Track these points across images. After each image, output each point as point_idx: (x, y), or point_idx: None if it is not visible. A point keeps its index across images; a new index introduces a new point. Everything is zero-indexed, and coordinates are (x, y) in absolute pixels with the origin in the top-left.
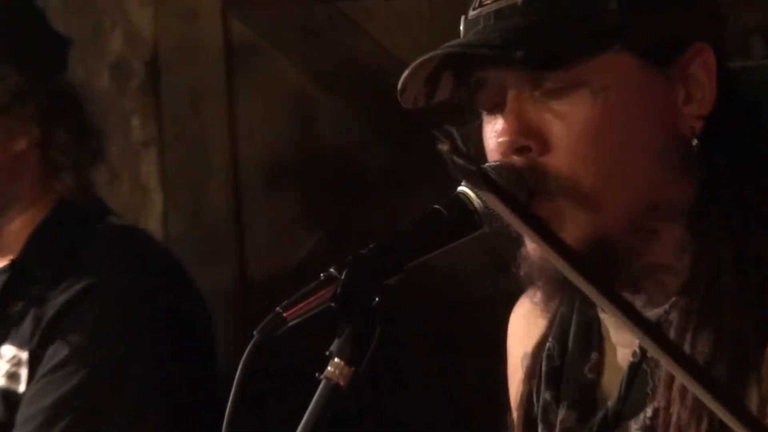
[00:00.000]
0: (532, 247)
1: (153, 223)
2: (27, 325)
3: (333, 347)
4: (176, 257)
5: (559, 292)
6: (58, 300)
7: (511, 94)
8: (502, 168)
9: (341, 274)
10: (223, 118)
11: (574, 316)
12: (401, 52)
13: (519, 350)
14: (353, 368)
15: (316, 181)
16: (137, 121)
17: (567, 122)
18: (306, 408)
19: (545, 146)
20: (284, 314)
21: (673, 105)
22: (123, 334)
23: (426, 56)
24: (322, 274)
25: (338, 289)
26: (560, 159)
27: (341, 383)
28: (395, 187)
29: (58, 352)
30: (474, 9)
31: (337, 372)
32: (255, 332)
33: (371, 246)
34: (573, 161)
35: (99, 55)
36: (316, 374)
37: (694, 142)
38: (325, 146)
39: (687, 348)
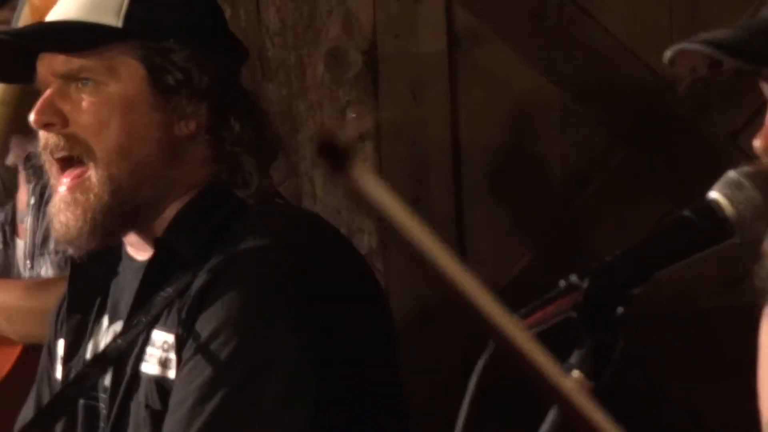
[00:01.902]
0: None
1: (368, 225)
2: (175, 307)
3: (572, 359)
4: (349, 243)
5: None
6: (201, 278)
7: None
8: (754, 174)
9: (584, 282)
10: (445, 112)
11: None
12: (639, 43)
13: None
14: (593, 383)
15: (542, 184)
16: (353, 113)
17: None
18: (538, 425)
19: None
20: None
21: None
22: (269, 305)
23: (680, 46)
24: (562, 281)
25: (581, 298)
26: None
27: None
28: (628, 194)
29: (203, 330)
30: None
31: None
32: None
33: (616, 253)
34: None
35: (314, 43)
36: None
37: None
38: (553, 146)
39: None
